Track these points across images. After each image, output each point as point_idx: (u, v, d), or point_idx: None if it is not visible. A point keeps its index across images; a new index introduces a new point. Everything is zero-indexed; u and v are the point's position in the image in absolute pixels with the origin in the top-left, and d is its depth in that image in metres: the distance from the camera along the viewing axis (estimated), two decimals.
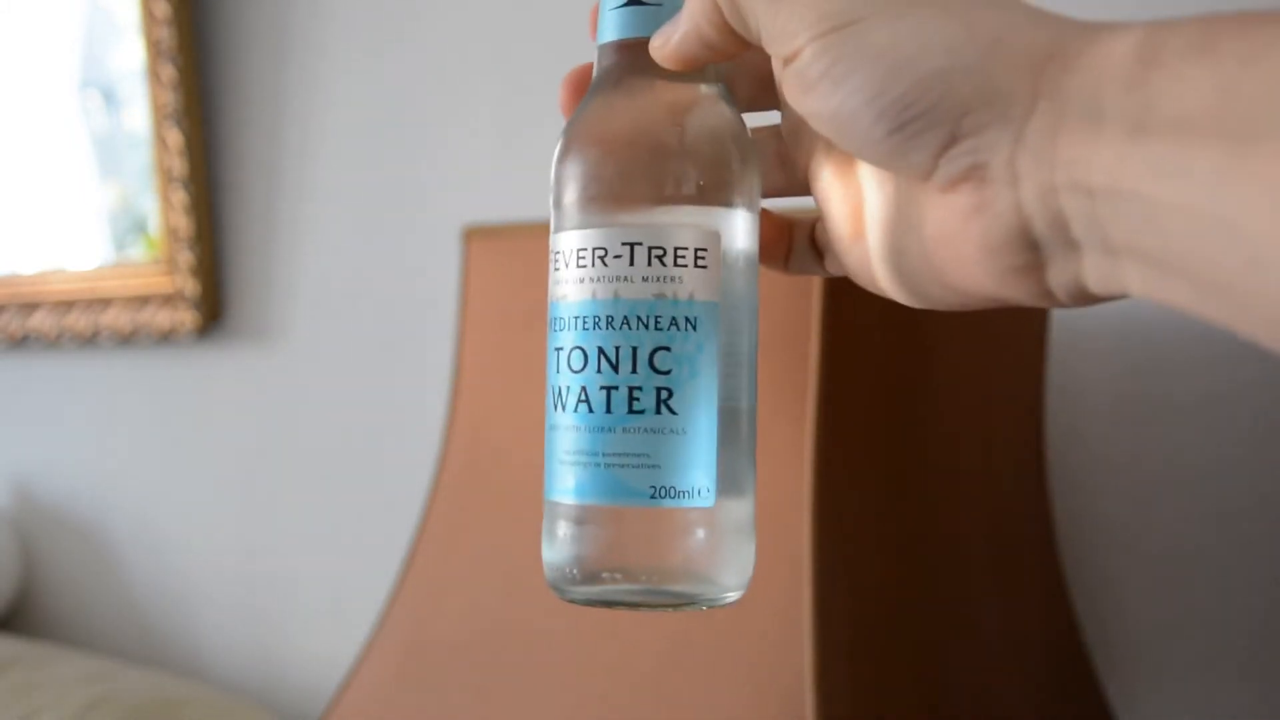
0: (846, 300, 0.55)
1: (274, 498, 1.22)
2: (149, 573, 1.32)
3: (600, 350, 0.38)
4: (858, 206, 0.38)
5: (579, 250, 0.39)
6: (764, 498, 0.57)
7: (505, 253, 0.71)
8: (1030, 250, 0.32)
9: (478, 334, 0.72)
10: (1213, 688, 0.77)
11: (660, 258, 0.38)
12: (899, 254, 0.37)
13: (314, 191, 1.18)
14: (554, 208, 0.40)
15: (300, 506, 1.20)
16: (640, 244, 0.38)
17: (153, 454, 1.32)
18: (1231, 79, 0.27)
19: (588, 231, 0.38)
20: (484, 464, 0.70)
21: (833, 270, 0.42)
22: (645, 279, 0.38)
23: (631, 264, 0.38)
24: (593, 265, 0.38)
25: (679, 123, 0.39)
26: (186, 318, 1.23)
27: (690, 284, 0.38)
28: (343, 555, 1.16)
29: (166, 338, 1.26)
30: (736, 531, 0.39)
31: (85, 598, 1.37)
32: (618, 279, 0.38)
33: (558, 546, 0.39)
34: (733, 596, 0.39)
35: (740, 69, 0.42)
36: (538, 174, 0.61)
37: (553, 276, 0.40)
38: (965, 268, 0.34)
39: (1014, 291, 0.34)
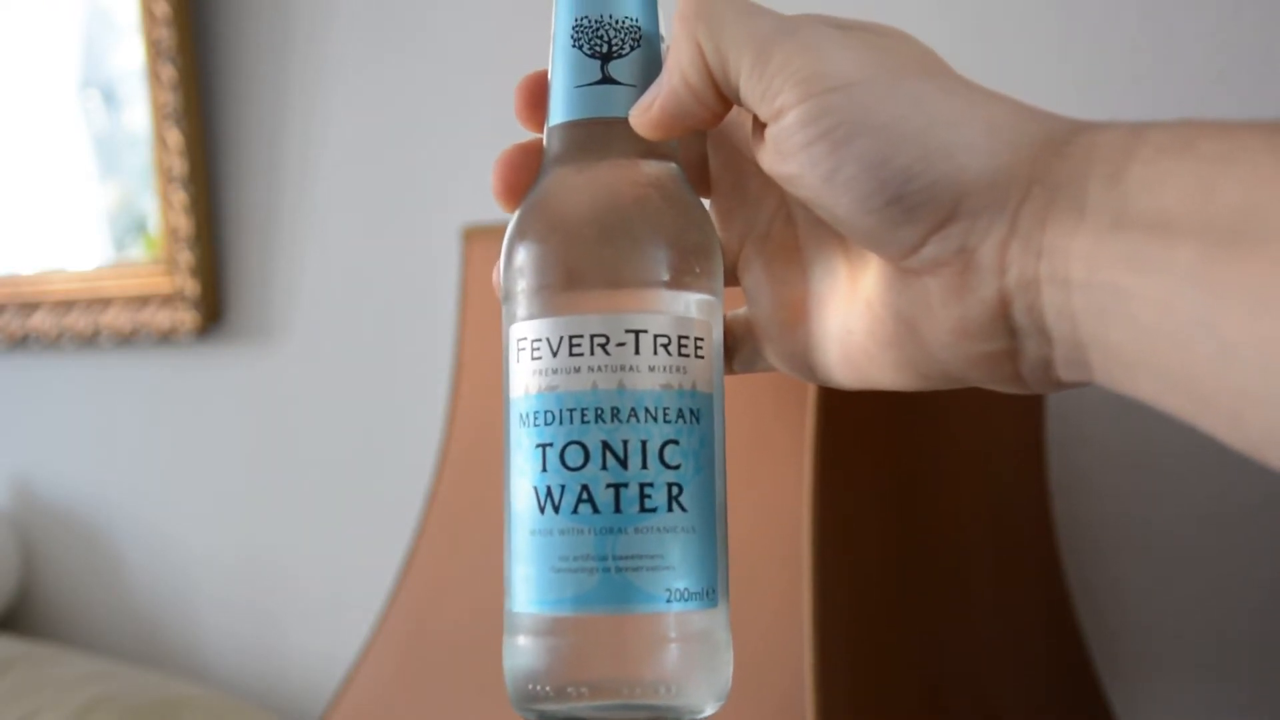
0: None
1: (274, 497, 1.22)
2: (149, 573, 1.32)
3: (605, 445, 0.35)
4: (800, 292, 0.38)
5: (572, 338, 0.36)
6: (764, 499, 0.57)
7: None
8: (1008, 337, 0.32)
9: (477, 334, 0.72)
10: (1213, 688, 0.77)
11: (665, 346, 0.36)
12: (849, 336, 0.36)
13: (314, 191, 1.18)
14: (524, 294, 0.37)
15: (300, 506, 1.20)
16: (646, 331, 0.36)
17: (153, 453, 1.32)
18: (1210, 178, 0.27)
19: (584, 317, 0.36)
20: (483, 464, 0.70)
21: (739, 368, 0.41)
22: (652, 368, 0.36)
23: (637, 352, 0.35)
24: (591, 354, 0.35)
25: (679, 206, 0.37)
26: (186, 318, 1.23)
27: (693, 374, 0.36)
28: (343, 555, 1.16)
29: (166, 338, 1.26)
30: (729, 635, 0.38)
31: (85, 598, 1.37)
32: (623, 368, 0.35)
33: (548, 662, 0.36)
34: (716, 707, 0.37)
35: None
36: None
37: (524, 367, 0.37)
38: (933, 350, 0.33)
39: (982, 375, 0.33)
